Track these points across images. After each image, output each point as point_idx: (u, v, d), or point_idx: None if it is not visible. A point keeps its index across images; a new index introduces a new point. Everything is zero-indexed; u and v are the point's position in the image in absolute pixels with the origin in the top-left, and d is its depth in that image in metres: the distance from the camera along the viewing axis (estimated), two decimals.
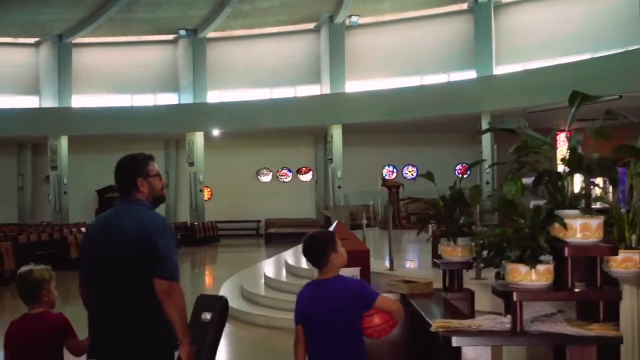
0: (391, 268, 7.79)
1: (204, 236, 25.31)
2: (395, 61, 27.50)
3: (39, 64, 30.05)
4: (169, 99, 29.96)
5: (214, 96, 29.52)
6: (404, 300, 4.80)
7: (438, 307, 4.73)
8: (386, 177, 27.81)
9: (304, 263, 11.38)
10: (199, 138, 28.20)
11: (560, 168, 3.23)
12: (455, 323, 3.35)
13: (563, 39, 23.92)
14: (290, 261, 11.45)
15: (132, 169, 3.40)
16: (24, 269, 3.69)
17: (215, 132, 28.11)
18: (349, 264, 7.28)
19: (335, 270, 3.54)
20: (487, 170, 23.43)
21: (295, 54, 29.14)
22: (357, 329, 3.47)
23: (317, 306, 3.47)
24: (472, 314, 4.77)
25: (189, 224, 27.42)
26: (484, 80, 24.39)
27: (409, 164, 29.94)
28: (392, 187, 17.07)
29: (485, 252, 5.41)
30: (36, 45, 30.17)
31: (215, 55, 29.45)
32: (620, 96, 19.71)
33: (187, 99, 29.22)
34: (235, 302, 9.33)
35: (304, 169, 31.04)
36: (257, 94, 28.76)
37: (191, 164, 28.20)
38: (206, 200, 29.17)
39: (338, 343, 3.44)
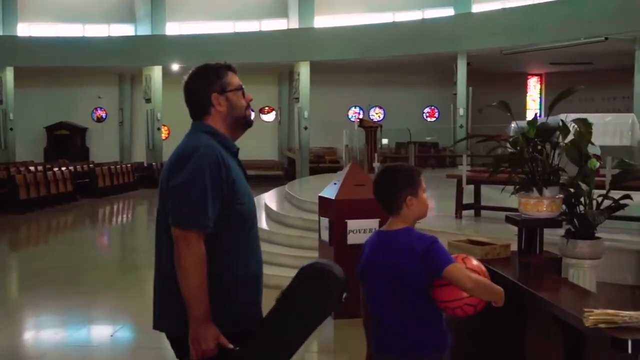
0: None
1: None
2: None
3: None
4: (125, 30, 28.07)
5: (173, 28, 27.76)
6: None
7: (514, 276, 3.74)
8: (352, 119, 26.86)
9: (287, 210, 10.30)
10: (156, 73, 26.59)
11: None
12: (624, 316, 2.32)
13: None
14: (273, 206, 10.37)
15: (204, 83, 2.59)
16: None
17: (174, 67, 26.38)
18: (367, 214, 6.05)
19: (408, 220, 2.70)
20: (462, 113, 22.59)
21: None
22: (424, 299, 2.63)
23: (375, 261, 2.69)
24: (558, 284, 3.82)
25: (146, 164, 26.18)
26: (461, 18, 23.30)
27: (375, 106, 29.01)
28: (370, 127, 16.06)
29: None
30: None
31: None
32: (606, 38, 18.97)
33: (144, 30, 27.41)
34: None
35: (266, 108, 29.75)
36: (220, 27, 27.10)
37: (148, 100, 26.63)
38: (164, 140, 27.65)
39: (400, 310, 2.65)
